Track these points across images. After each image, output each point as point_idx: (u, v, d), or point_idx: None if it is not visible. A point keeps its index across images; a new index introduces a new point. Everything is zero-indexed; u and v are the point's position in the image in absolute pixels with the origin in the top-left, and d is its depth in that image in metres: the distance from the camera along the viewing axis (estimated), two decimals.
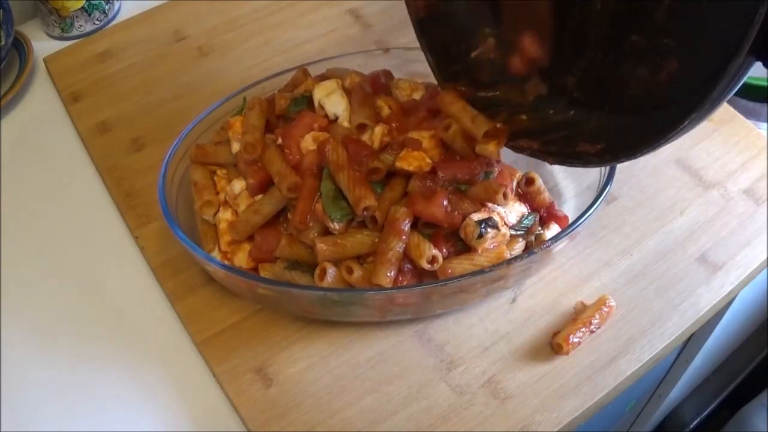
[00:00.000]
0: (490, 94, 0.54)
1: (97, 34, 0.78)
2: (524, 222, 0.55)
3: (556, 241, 0.52)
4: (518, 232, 0.55)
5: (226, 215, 0.56)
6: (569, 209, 0.58)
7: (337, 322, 0.55)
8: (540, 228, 0.56)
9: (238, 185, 0.56)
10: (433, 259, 0.51)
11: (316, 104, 0.58)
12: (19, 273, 0.59)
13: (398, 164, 0.54)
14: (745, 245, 0.59)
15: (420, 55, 0.63)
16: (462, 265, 0.52)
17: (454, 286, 0.51)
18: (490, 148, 0.52)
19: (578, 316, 0.55)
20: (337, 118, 0.58)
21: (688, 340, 0.81)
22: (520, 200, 0.56)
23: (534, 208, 0.57)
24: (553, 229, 0.56)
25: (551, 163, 0.52)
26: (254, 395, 0.51)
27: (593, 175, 0.63)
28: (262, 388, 0.51)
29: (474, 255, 0.53)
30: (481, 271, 0.50)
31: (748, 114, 0.69)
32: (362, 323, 0.55)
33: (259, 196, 0.55)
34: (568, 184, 0.61)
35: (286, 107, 0.59)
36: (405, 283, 0.53)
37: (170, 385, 0.53)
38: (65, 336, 0.56)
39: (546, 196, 0.57)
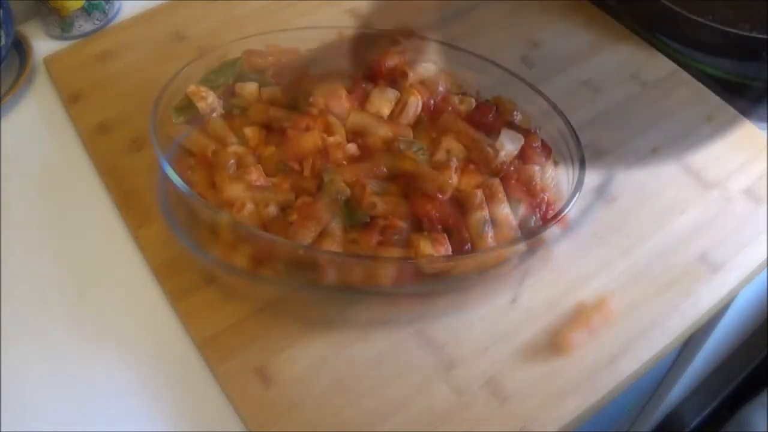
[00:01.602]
0: None
1: (97, 34, 0.78)
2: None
3: (549, 226, 0.53)
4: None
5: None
6: (572, 211, 0.58)
7: (338, 322, 0.55)
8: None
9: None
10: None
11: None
12: (19, 273, 0.59)
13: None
14: (745, 245, 0.60)
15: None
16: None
17: (455, 285, 0.52)
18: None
19: (578, 316, 0.55)
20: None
21: (688, 340, 0.81)
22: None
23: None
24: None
25: None
26: (254, 395, 0.51)
27: (594, 177, 0.64)
28: (262, 388, 0.51)
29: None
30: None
31: (748, 114, 0.69)
32: (362, 323, 0.55)
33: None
34: (569, 184, 0.61)
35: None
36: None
37: (170, 385, 0.53)
38: (64, 336, 0.55)
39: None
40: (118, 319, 0.56)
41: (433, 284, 0.55)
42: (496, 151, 0.57)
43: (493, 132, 0.60)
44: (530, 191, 0.57)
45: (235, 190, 0.54)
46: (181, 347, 0.54)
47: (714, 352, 0.97)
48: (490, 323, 0.55)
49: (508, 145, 0.58)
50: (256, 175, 0.55)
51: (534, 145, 0.59)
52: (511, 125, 0.61)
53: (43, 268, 0.60)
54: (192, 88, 0.60)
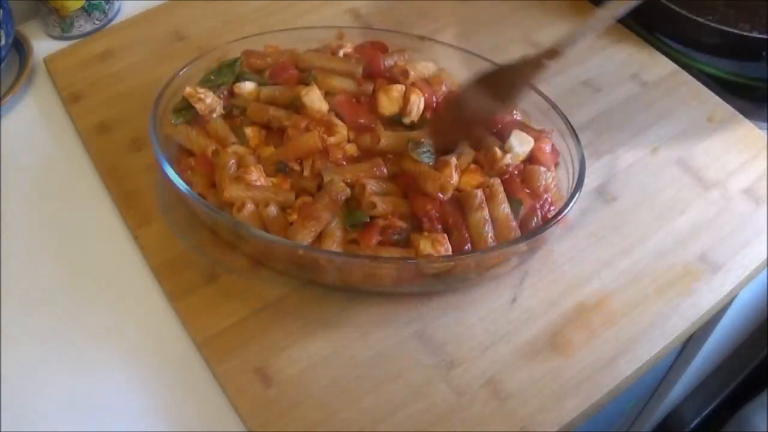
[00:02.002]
0: None
1: (97, 34, 0.78)
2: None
3: (549, 226, 0.53)
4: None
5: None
6: (572, 211, 0.58)
7: (337, 322, 0.55)
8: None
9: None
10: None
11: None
12: (19, 273, 0.59)
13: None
14: (745, 245, 0.60)
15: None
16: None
17: (455, 285, 0.51)
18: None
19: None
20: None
21: (688, 340, 0.81)
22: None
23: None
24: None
25: None
26: (254, 395, 0.51)
27: (594, 177, 0.64)
28: (262, 388, 0.51)
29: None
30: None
31: (748, 114, 0.69)
32: (362, 323, 0.55)
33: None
34: (569, 184, 0.61)
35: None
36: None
37: (170, 385, 0.53)
38: (65, 336, 0.55)
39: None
40: (117, 319, 0.56)
41: (433, 284, 0.55)
42: (503, 153, 0.57)
43: (504, 131, 0.60)
44: (534, 193, 0.57)
45: (235, 191, 0.55)
46: (181, 347, 0.54)
47: (714, 352, 0.97)
48: (490, 323, 0.55)
49: (517, 147, 0.58)
50: (256, 175, 0.56)
51: (543, 146, 0.59)
52: (524, 127, 0.61)
53: (43, 268, 0.60)
54: (188, 90, 0.60)
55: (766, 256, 0.59)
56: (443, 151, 0.57)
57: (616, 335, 0.54)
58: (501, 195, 0.55)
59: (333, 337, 0.54)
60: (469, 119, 0.58)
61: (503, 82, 0.57)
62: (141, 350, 0.55)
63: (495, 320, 0.55)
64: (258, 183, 0.55)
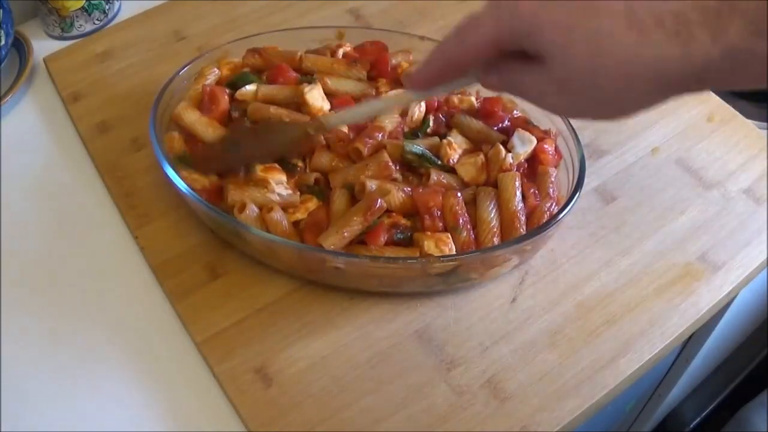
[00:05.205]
0: None
1: (97, 34, 0.78)
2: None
3: (550, 226, 0.53)
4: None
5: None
6: (571, 210, 0.58)
7: (338, 322, 0.55)
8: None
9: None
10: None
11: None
12: (19, 273, 0.59)
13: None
14: (745, 245, 0.60)
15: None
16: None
17: (455, 285, 0.51)
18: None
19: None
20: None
21: (688, 340, 0.81)
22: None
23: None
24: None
25: None
26: (254, 395, 0.51)
27: (594, 177, 0.64)
28: (262, 388, 0.51)
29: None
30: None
31: (748, 114, 0.69)
32: (362, 323, 0.55)
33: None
34: (569, 184, 0.61)
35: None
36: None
37: (170, 385, 0.53)
38: (65, 336, 0.55)
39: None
40: (118, 319, 0.56)
41: (434, 284, 0.55)
42: (506, 151, 0.57)
43: (511, 130, 0.60)
44: (543, 194, 0.57)
45: (237, 195, 0.55)
46: (181, 347, 0.54)
47: (714, 352, 0.97)
48: (490, 323, 0.55)
49: (519, 147, 0.58)
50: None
51: (547, 147, 0.59)
52: (528, 126, 0.61)
53: (43, 268, 0.60)
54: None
55: (766, 256, 0.59)
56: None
57: (616, 335, 0.54)
58: (515, 189, 0.55)
59: (333, 337, 0.54)
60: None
61: (271, 137, 0.57)
62: (141, 350, 0.55)
63: (495, 320, 0.55)
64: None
